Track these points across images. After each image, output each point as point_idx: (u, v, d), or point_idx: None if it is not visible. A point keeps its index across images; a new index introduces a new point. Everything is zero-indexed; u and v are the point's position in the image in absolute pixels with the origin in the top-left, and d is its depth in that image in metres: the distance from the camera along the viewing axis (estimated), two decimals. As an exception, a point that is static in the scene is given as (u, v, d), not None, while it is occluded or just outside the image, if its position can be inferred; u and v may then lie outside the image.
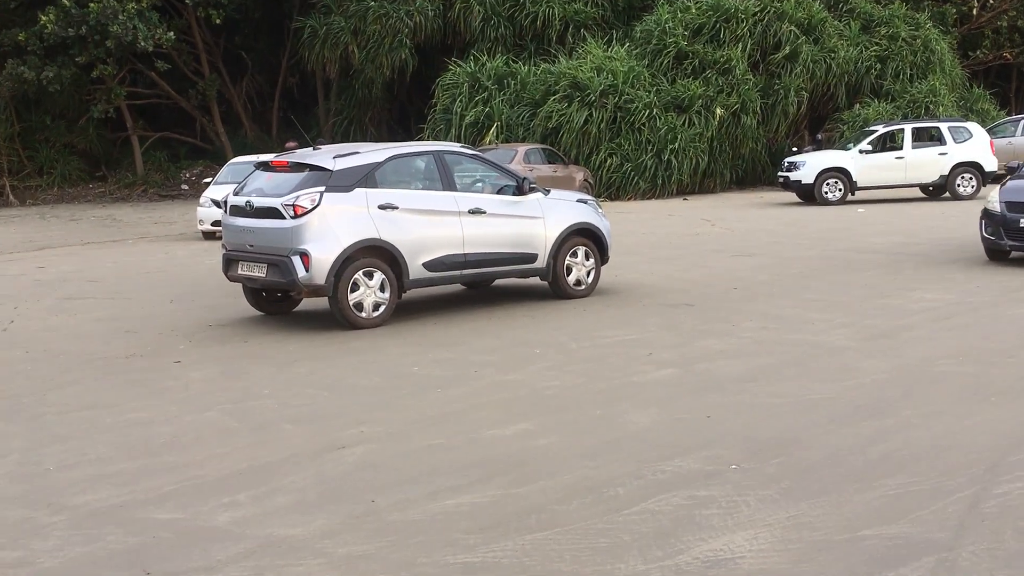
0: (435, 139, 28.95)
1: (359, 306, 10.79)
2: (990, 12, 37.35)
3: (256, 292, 11.85)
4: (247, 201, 11.22)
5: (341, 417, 7.40)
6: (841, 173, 24.72)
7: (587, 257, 12.52)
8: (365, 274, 10.79)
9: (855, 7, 32.01)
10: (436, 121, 29.47)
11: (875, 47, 31.00)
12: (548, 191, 12.65)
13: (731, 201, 26.69)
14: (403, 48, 31.86)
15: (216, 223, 21.38)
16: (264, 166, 11.98)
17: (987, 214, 13.73)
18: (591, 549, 4.90)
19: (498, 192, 12.22)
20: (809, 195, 24.85)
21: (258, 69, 37.58)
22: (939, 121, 25.87)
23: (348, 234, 10.73)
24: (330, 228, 10.67)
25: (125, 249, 20.55)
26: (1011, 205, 13.37)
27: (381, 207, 10.97)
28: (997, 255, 13.87)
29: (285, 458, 6.45)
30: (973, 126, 25.51)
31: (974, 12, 36.88)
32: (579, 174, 25.76)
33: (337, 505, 5.59)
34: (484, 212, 11.71)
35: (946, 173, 24.56)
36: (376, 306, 10.88)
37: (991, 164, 24.42)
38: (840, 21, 31.55)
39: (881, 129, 25.50)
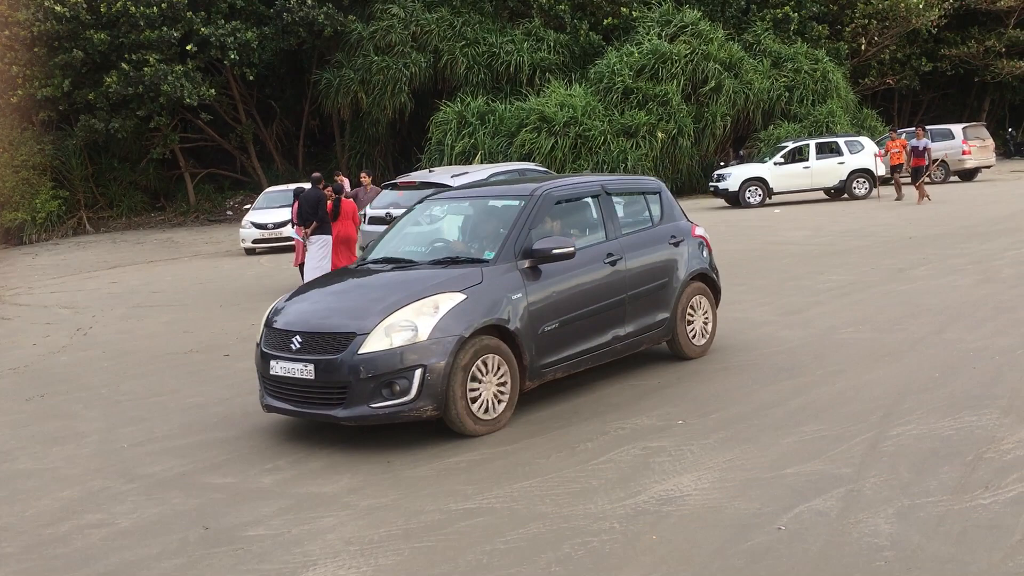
0: (430, 167, 28.84)
1: None
2: (875, 47, 37.45)
3: None
4: (387, 212, 11.38)
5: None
6: (760, 182, 24.76)
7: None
8: None
9: (766, 47, 32.03)
10: (431, 152, 29.34)
11: (784, 79, 31.03)
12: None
13: (672, 207, 26.73)
14: (402, 94, 31.69)
15: (256, 241, 21.39)
16: (393, 187, 12.22)
17: (259, 352, 6.33)
18: (567, 493, 4.90)
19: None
20: (735, 200, 24.88)
21: (285, 115, 37.33)
22: (837, 136, 25.95)
23: None
24: None
25: (182, 265, 20.44)
26: (274, 338, 6.19)
27: None
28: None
29: (313, 428, 6.41)
30: (864, 140, 25.59)
31: (862, 47, 36.95)
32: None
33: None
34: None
35: (844, 178, 24.65)
36: None
37: (880, 170, 24.58)
38: (755, 59, 31.56)
39: (790, 144, 25.55)
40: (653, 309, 7.24)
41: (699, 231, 7.97)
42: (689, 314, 7.61)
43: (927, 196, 21.17)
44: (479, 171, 11.95)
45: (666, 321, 7.38)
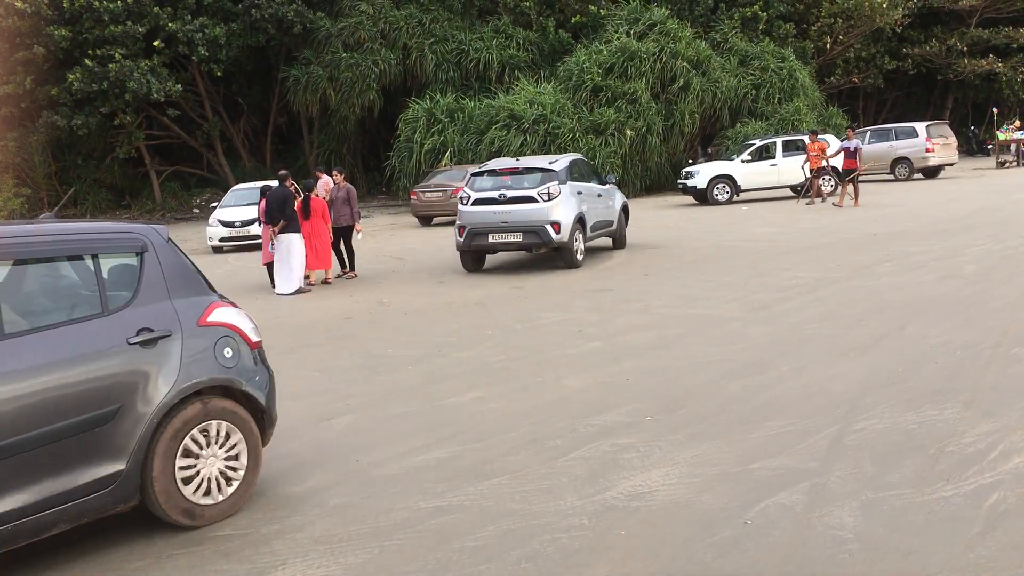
0: (399, 165, 28.72)
1: (578, 250, 13.75)
2: (840, 46, 37.87)
3: (472, 256, 13.91)
4: (500, 193, 13.30)
5: (330, 393, 7.32)
6: (727, 179, 24.94)
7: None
8: (579, 232, 13.77)
9: (733, 46, 32.29)
10: (400, 149, 29.25)
11: (751, 77, 31.30)
12: (613, 183, 15.90)
13: (642, 204, 26.81)
14: (371, 91, 31.56)
15: (223, 239, 21.14)
16: (491, 172, 13.82)
17: None
18: (537, 490, 4.91)
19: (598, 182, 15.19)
20: (703, 197, 25.05)
21: (252, 111, 37.03)
22: (803, 134, 26.15)
23: (572, 209, 13.43)
24: (564, 206, 13.25)
25: (148, 264, 20.17)
26: None
27: (578, 192, 13.75)
28: None
29: (282, 428, 6.37)
30: (830, 138, 25.68)
31: (828, 46, 37.35)
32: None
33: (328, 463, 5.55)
34: (602, 195, 14.90)
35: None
36: (579, 251, 13.81)
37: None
38: (722, 57, 31.80)
39: (758, 142, 25.74)
40: (77, 462, 4.20)
41: (220, 315, 4.88)
42: (185, 462, 4.61)
43: (855, 199, 21.12)
44: (563, 159, 13.84)
45: (119, 477, 4.35)
